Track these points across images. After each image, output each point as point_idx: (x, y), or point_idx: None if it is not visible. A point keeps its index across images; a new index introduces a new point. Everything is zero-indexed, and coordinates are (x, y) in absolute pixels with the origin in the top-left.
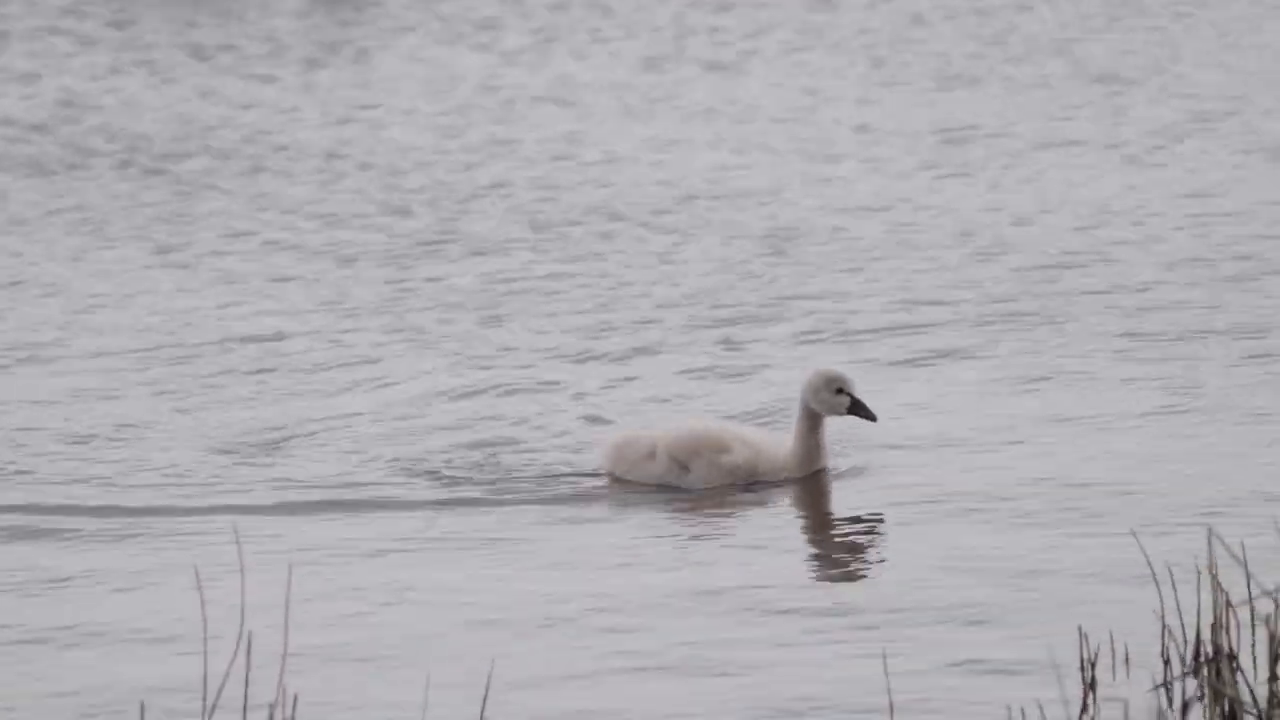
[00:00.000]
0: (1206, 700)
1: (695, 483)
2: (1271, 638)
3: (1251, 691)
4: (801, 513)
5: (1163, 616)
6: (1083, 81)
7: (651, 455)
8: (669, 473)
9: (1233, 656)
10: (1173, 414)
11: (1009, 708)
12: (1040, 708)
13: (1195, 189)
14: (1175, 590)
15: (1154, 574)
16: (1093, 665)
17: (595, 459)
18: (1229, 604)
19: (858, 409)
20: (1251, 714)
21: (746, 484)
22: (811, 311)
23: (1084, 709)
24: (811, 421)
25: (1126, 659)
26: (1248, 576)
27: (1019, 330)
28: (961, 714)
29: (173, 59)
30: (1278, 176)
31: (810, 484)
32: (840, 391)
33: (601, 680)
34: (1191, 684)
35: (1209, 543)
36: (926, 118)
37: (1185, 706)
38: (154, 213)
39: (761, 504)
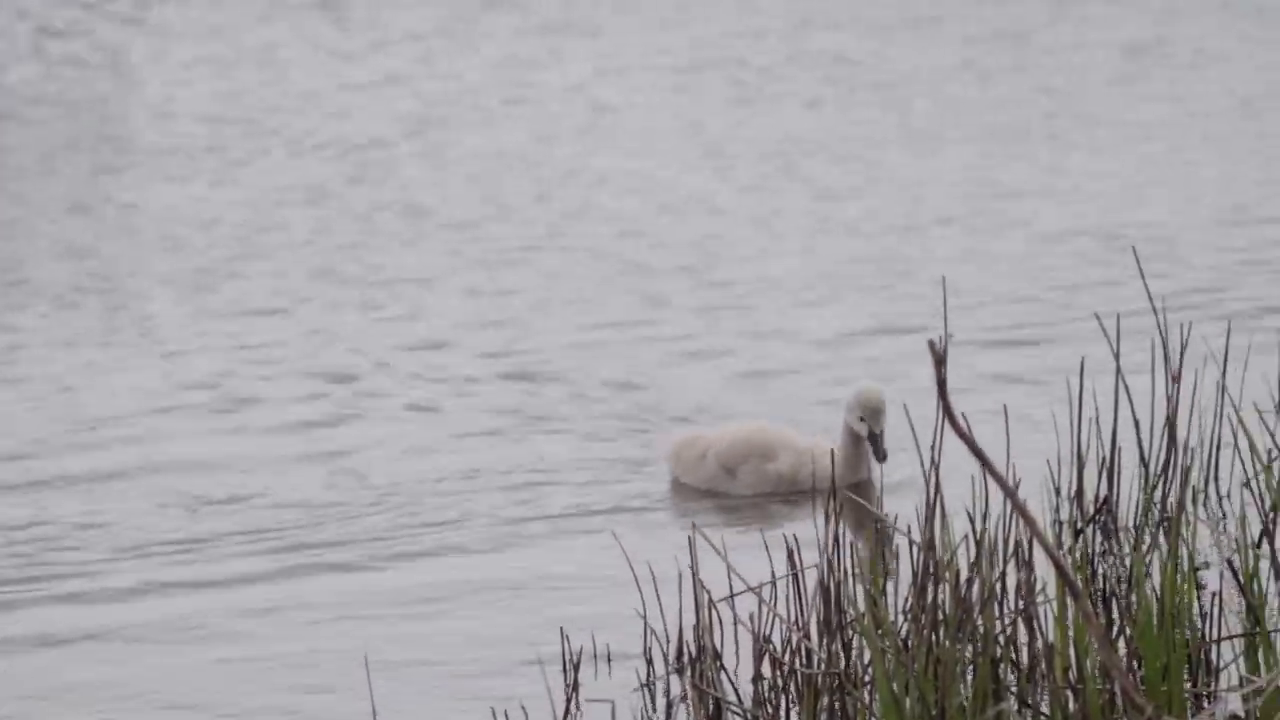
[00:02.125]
0: (691, 699)
1: (741, 489)
2: (755, 636)
3: (736, 690)
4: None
5: (644, 614)
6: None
7: (704, 457)
8: (716, 478)
9: (717, 655)
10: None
11: (493, 709)
12: (524, 709)
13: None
14: (657, 588)
15: (634, 571)
16: (576, 666)
17: (661, 461)
18: (711, 602)
19: (872, 441)
20: (736, 713)
21: (791, 492)
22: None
23: (567, 710)
24: (853, 432)
25: (609, 659)
26: (729, 573)
27: None
28: (446, 715)
29: None
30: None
31: (847, 495)
32: (862, 420)
33: None
34: (676, 683)
35: (691, 539)
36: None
37: (669, 706)
38: None
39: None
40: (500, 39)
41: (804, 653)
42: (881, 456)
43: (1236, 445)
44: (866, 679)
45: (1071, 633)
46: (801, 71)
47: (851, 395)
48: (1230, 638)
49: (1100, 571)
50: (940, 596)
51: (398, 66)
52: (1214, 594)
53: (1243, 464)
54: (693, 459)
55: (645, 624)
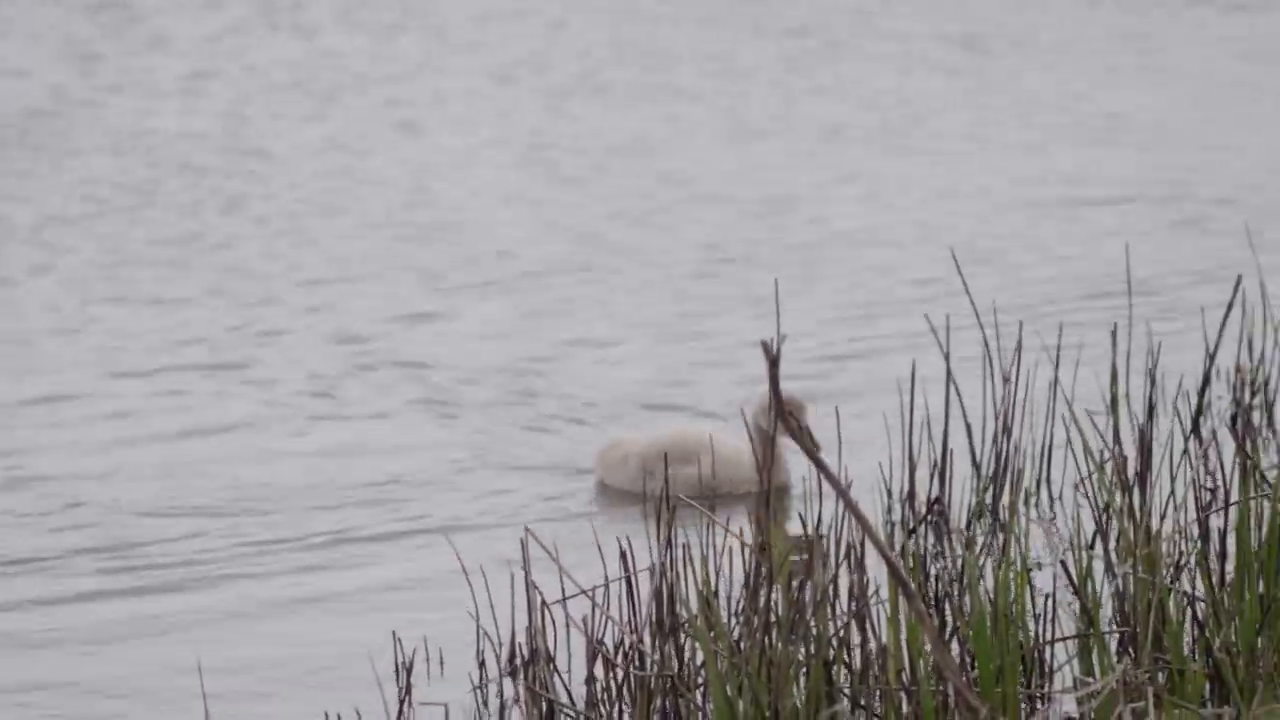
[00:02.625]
0: (524, 702)
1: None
2: (588, 639)
3: (569, 692)
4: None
5: (477, 617)
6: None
7: (626, 460)
8: (638, 480)
9: (550, 658)
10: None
11: (326, 714)
12: (358, 712)
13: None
14: (489, 591)
15: (466, 574)
16: (409, 670)
17: (590, 464)
18: (544, 604)
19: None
20: (569, 714)
21: (711, 496)
22: None
23: (400, 714)
24: (763, 436)
25: (442, 662)
26: (561, 575)
27: None
28: None
29: None
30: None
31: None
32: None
33: None
34: (510, 686)
35: (523, 541)
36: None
37: (502, 708)
38: None
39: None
40: (317, 32)
41: (637, 655)
42: (816, 449)
43: (1070, 446)
44: (700, 681)
45: (905, 634)
46: (623, 66)
47: (762, 398)
48: (1064, 639)
49: (933, 573)
50: (773, 598)
51: (207, 64)
52: (1047, 595)
53: (1076, 464)
54: (616, 462)
55: (478, 627)
